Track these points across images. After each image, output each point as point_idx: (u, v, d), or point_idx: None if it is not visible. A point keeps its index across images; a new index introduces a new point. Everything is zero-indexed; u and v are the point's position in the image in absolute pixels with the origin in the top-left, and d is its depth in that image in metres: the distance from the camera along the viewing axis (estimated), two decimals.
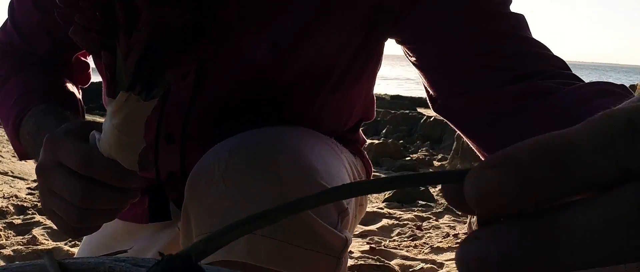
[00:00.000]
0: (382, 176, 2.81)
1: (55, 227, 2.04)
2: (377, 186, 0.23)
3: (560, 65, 0.60)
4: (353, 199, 0.71)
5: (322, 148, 0.67)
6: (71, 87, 0.79)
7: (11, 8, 0.80)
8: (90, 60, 0.86)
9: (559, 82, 0.57)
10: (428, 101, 0.69)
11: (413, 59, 0.68)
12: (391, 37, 0.71)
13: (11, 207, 2.44)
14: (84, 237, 0.93)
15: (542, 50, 0.61)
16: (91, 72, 0.88)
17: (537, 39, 0.62)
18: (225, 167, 0.56)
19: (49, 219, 0.57)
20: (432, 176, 0.22)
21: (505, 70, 0.59)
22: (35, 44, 0.80)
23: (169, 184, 0.79)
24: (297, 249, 0.55)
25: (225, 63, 0.70)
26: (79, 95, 0.81)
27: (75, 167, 0.52)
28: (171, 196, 0.81)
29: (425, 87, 0.68)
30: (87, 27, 0.49)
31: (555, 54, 0.61)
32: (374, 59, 0.76)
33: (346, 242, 0.60)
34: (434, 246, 1.98)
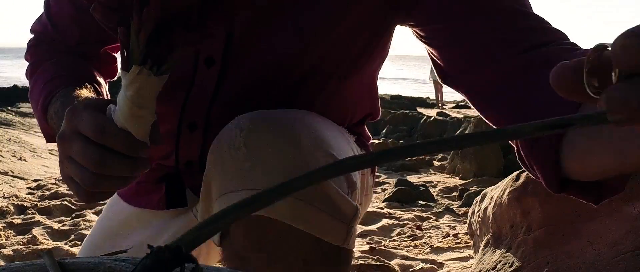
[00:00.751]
0: (383, 175, 2.80)
1: (54, 227, 2.03)
2: (392, 154, 0.22)
3: (563, 36, 0.64)
4: (359, 183, 0.73)
5: (333, 129, 0.71)
6: (98, 76, 0.84)
7: (47, 2, 0.87)
8: (118, 55, 0.91)
9: (566, 49, 0.60)
10: (437, 75, 0.72)
11: (423, 37, 0.71)
12: (403, 23, 0.74)
13: (11, 207, 2.43)
14: (98, 221, 0.95)
15: (545, 24, 0.65)
16: (118, 66, 0.93)
17: (538, 13, 0.66)
18: (247, 133, 0.59)
19: (66, 185, 0.62)
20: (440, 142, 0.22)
21: (516, 43, 0.62)
22: (66, 35, 0.85)
23: (186, 171, 0.82)
24: (313, 208, 0.57)
25: (249, 53, 0.74)
26: (105, 86, 0.85)
27: (91, 136, 0.56)
28: (188, 183, 0.83)
29: (435, 62, 0.71)
30: (106, 5, 0.54)
31: (556, 27, 0.66)
32: (381, 45, 0.78)
33: (357, 211, 0.63)
34: (434, 246, 1.98)
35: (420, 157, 4.12)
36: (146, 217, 0.87)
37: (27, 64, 0.86)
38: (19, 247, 1.88)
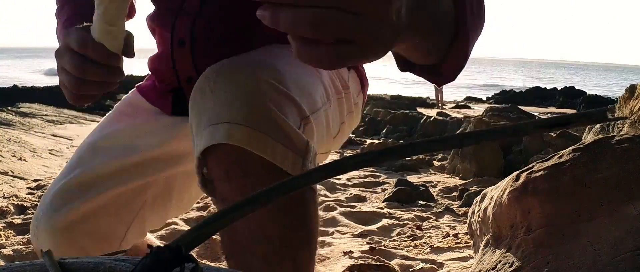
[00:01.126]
0: (383, 175, 2.78)
1: None
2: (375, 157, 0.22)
3: None
4: (321, 109, 0.83)
5: (300, 67, 0.81)
6: None
7: None
8: None
9: None
10: None
11: None
12: None
13: (11, 207, 2.43)
14: (122, 112, 1.08)
15: None
16: (136, 6, 1.07)
17: None
18: (214, 80, 0.70)
19: (63, 91, 0.79)
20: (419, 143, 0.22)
21: None
22: None
23: (187, 86, 0.96)
24: (266, 137, 0.66)
25: None
26: None
27: (75, 48, 0.73)
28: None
29: None
30: None
31: None
32: None
33: (308, 144, 0.70)
34: (434, 246, 1.98)
35: (420, 157, 4.12)
36: (158, 111, 1.03)
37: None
38: (19, 247, 1.88)
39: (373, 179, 3.27)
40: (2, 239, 1.99)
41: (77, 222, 0.88)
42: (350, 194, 2.88)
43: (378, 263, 1.70)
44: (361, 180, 3.23)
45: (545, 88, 16.25)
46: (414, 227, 2.23)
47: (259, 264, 0.69)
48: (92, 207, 0.89)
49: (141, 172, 0.95)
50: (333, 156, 4.65)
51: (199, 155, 0.68)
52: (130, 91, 1.11)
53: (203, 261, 1.66)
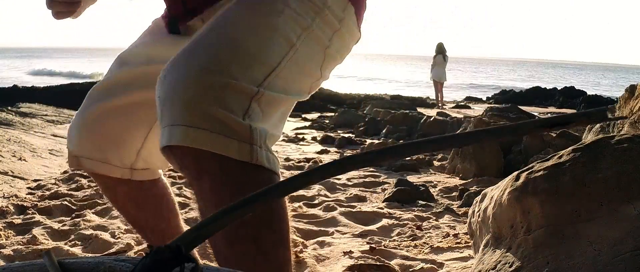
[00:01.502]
0: (383, 175, 2.78)
1: (54, 227, 2.01)
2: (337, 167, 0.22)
3: None
4: (282, 63, 0.85)
5: (253, 22, 0.86)
6: None
7: None
8: None
9: None
10: None
11: None
12: None
13: (11, 207, 2.43)
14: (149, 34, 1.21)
15: None
16: None
17: None
18: (160, 89, 0.78)
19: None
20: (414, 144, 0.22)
21: None
22: None
23: (172, 4, 1.06)
24: (204, 132, 0.72)
25: None
26: None
27: None
28: (172, 12, 1.08)
29: None
30: None
31: None
32: None
33: (251, 131, 0.75)
34: (434, 246, 1.97)
35: (420, 157, 4.12)
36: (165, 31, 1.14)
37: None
38: (19, 247, 1.88)
39: (373, 179, 3.26)
40: (2, 239, 1.99)
41: (100, 119, 1.06)
42: (350, 194, 2.88)
43: (378, 263, 1.70)
44: (361, 180, 3.23)
45: (545, 88, 16.23)
46: (414, 227, 2.23)
47: (223, 246, 0.75)
48: (113, 106, 1.07)
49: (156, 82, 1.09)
50: (333, 156, 4.65)
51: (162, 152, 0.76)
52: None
53: (203, 261, 1.66)
